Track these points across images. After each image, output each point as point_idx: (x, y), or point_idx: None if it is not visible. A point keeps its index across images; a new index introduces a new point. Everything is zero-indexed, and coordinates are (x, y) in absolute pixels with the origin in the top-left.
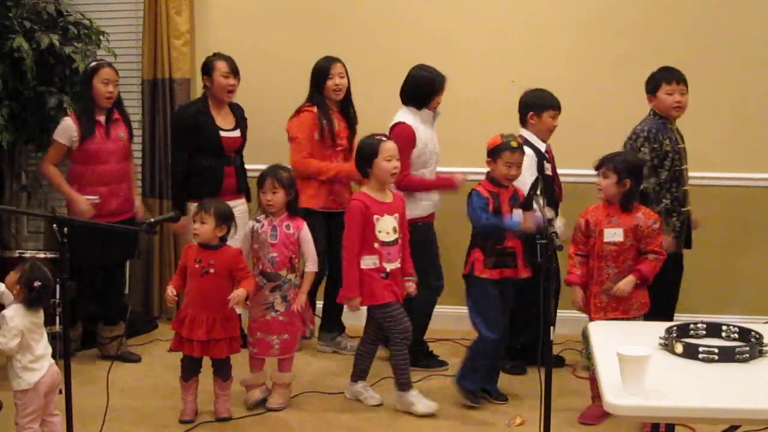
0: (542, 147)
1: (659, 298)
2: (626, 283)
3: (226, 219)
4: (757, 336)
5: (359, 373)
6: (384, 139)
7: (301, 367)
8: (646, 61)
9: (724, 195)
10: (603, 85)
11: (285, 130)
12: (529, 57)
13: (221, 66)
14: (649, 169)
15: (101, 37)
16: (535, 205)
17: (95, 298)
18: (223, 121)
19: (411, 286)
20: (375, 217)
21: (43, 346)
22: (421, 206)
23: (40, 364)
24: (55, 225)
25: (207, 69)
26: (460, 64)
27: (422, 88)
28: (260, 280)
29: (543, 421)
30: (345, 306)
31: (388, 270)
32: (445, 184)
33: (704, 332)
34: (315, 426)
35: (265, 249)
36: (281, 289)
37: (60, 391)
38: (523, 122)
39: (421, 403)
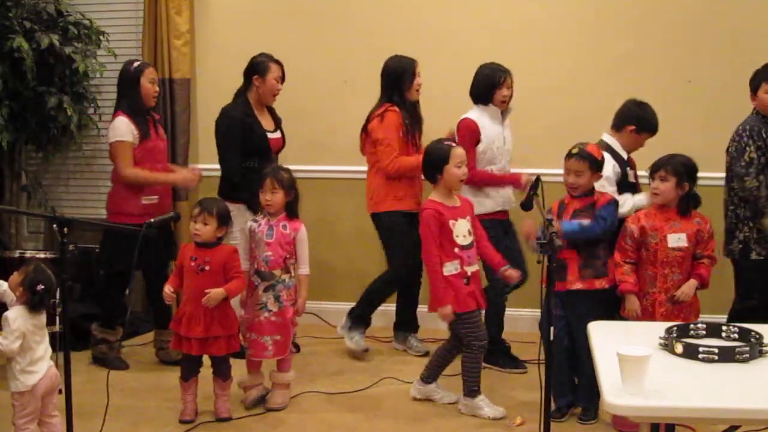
0: (624, 155)
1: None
2: (690, 287)
3: (226, 220)
4: (757, 336)
5: (433, 374)
6: (453, 145)
7: (301, 367)
8: (646, 61)
9: (716, 195)
10: (604, 84)
11: (369, 131)
12: (529, 57)
13: (276, 69)
14: (756, 167)
15: (101, 37)
16: (534, 206)
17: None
18: (266, 123)
19: (510, 273)
20: (451, 222)
21: (43, 348)
22: (483, 204)
23: (38, 367)
24: (55, 225)
25: (260, 69)
26: (460, 64)
27: (483, 84)
28: (255, 279)
29: (543, 422)
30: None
31: (469, 273)
32: (511, 181)
33: (704, 332)
34: (315, 426)
35: (261, 248)
36: (274, 289)
37: (60, 391)
38: (618, 128)
39: (489, 407)
